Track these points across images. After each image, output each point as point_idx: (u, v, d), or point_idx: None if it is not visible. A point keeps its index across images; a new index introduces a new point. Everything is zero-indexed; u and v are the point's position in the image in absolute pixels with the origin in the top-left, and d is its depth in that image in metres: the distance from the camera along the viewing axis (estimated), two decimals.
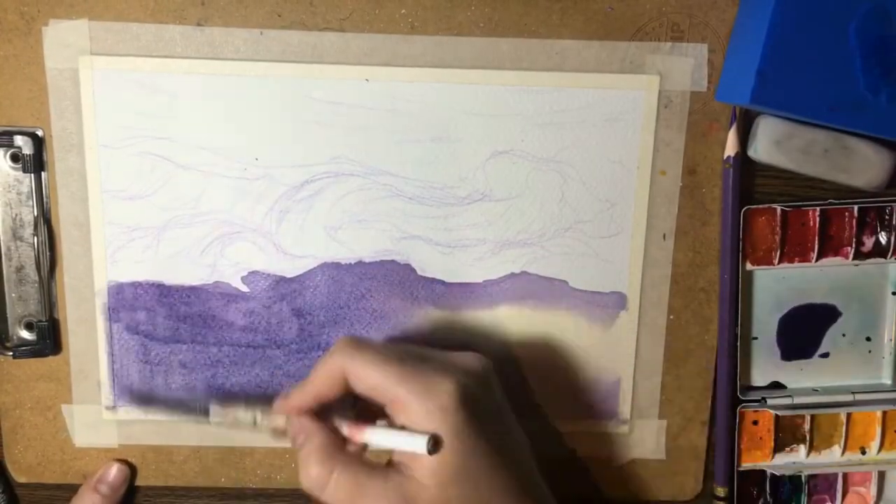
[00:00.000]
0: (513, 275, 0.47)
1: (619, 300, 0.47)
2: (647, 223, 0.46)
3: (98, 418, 0.48)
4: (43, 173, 0.45)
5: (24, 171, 0.45)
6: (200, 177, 0.45)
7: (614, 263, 0.47)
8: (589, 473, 0.50)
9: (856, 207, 0.46)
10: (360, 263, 0.47)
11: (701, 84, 0.45)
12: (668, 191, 0.46)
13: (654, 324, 0.48)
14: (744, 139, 0.46)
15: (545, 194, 0.46)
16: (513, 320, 0.47)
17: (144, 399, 0.47)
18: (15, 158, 0.45)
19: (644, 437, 0.49)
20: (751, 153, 0.45)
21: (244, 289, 0.47)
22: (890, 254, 0.47)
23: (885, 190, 0.45)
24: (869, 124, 0.42)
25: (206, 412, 0.42)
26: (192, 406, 0.43)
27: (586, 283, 0.47)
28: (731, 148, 0.45)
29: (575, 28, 0.44)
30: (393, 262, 0.47)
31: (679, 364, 0.48)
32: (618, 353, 0.48)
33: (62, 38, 0.44)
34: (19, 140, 0.45)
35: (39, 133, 0.45)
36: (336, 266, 0.47)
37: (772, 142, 0.44)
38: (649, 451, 0.49)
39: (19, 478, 0.49)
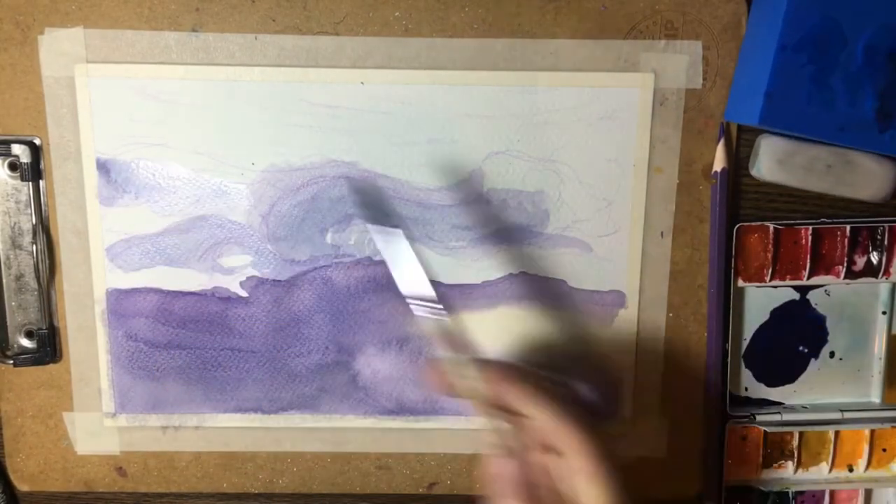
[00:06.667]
0: (511, 275, 0.47)
1: (618, 298, 0.47)
2: (644, 221, 0.46)
3: (99, 425, 0.48)
4: (41, 181, 0.46)
5: (23, 179, 0.45)
6: (197, 182, 0.45)
7: (613, 262, 0.47)
8: None
9: (848, 227, 0.47)
10: (358, 266, 0.47)
11: (696, 81, 0.45)
12: (665, 188, 0.46)
13: (654, 322, 0.48)
14: (745, 156, 0.46)
15: (542, 194, 0.46)
16: (512, 321, 0.47)
17: None
18: (13, 167, 0.45)
19: (645, 436, 0.49)
20: (754, 172, 0.46)
21: (243, 293, 0.47)
22: (881, 273, 0.47)
23: (889, 201, 0.46)
24: (878, 144, 0.42)
25: None
26: None
27: (585, 282, 0.47)
28: (718, 163, 0.45)
29: (569, 27, 0.44)
30: None
31: (679, 362, 0.48)
32: (618, 352, 0.48)
33: (58, 47, 0.44)
34: (17, 149, 0.45)
35: (37, 141, 0.45)
36: (335, 269, 0.47)
37: (774, 161, 0.44)
38: (651, 450, 0.49)
39: (22, 486, 0.49)
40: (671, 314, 0.48)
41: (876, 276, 0.47)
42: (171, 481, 0.49)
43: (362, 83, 0.44)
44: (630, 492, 0.49)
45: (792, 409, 0.49)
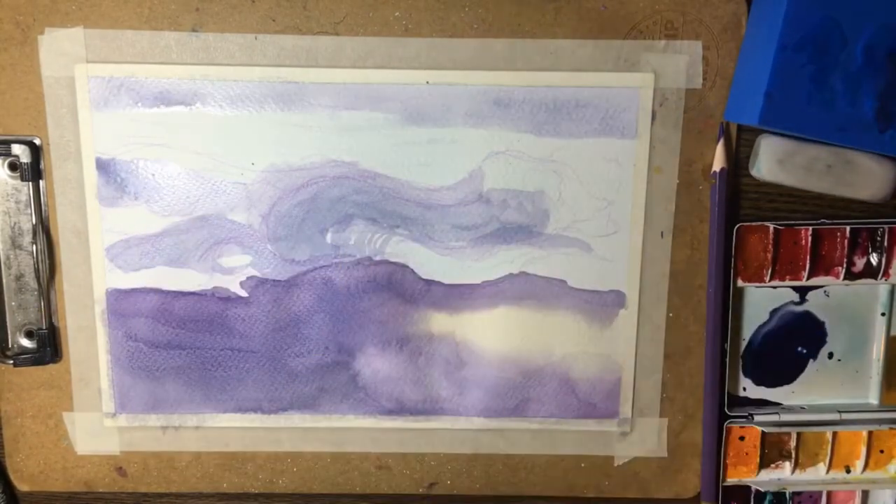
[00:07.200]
0: (511, 275, 0.47)
1: (618, 299, 0.47)
2: (644, 221, 0.46)
3: (99, 426, 0.48)
4: (41, 181, 0.46)
5: (23, 179, 0.45)
6: (197, 182, 0.45)
7: (613, 262, 0.47)
8: (590, 473, 0.49)
9: (848, 228, 0.47)
10: (358, 266, 0.47)
11: (696, 81, 0.45)
12: (665, 188, 0.46)
13: (654, 322, 0.48)
14: (745, 156, 0.46)
15: (542, 194, 0.46)
16: (512, 321, 0.47)
17: None
18: (13, 167, 0.45)
19: (645, 436, 0.49)
20: (754, 173, 0.46)
21: (243, 293, 0.47)
22: (880, 275, 0.47)
23: (889, 201, 0.46)
24: (878, 144, 0.42)
25: None
26: None
27: (585, 282, 0.47)
28: (718, 163, 0.45)
29: (569, 27, 0.44)
30: (392, 263, 0.47)
31: (679, 361, 0.48)
32: (618, 352, 0.48)
33: (58, 47, 0.44)
34: (17, 149, 0.45)
35: (37, 141, 0.45)
36: (334, 269, 0.47)
37: (774, 161, 0.44)
38: (651, 450, 0.49)
39: (22, 486, 0.49)
40: (671, 314, 0.48)
41: (875, 278, 0.47)
42: (171, 481, 0.49)
43: (362, 83, 0.44)
44: (632, 492, 0.49)
45: (790, 409, 0.49)
